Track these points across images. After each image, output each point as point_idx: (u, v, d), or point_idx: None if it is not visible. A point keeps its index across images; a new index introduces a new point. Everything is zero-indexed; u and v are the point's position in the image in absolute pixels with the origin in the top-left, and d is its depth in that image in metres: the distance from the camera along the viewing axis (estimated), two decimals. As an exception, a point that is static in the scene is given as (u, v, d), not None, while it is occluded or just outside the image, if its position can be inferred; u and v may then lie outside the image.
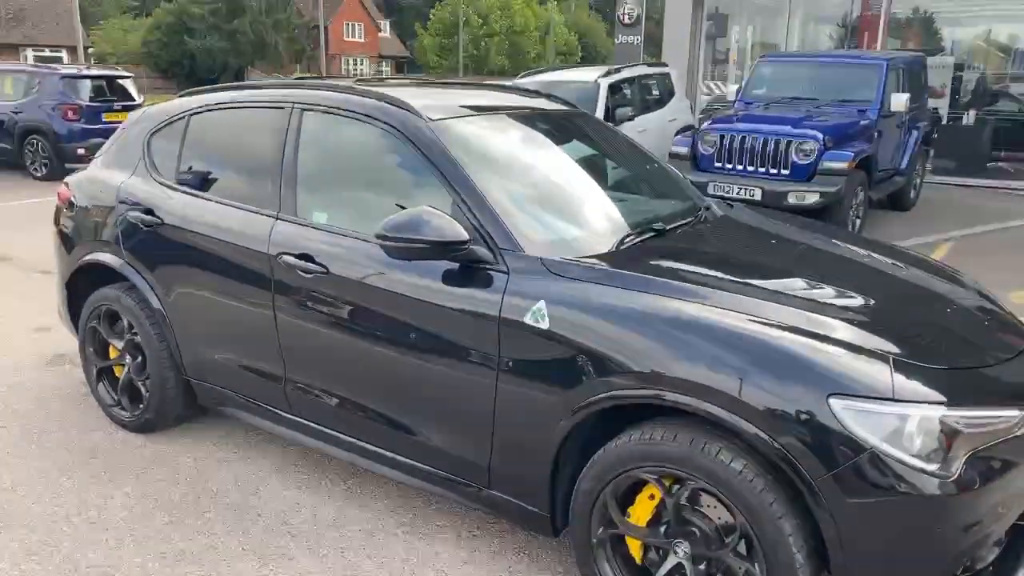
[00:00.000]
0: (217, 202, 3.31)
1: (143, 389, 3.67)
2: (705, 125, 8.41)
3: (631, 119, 9.42)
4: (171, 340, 3.51)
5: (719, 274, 2.60)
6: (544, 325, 2.40)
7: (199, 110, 3.56)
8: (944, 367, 2.19)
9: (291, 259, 2.95)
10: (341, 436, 3.05)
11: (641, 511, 2.37)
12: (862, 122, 8.14)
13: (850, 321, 2.29)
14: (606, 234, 2.82)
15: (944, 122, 12.74)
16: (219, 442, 3.68)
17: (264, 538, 2.95)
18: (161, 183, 3.54)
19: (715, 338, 2.20)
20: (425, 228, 2.48)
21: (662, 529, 2.34)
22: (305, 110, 3.16)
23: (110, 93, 12.43)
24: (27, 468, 3.42)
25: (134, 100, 12.45)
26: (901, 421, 2.00)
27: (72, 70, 12.79)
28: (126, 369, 3.73)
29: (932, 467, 1.99)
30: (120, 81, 12.78)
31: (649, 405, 2.29)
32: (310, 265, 2.90)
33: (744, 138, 7.83)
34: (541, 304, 2.42)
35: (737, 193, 7.64)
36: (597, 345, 2.33)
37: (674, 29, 14.32)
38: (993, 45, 14.16)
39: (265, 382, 3.22)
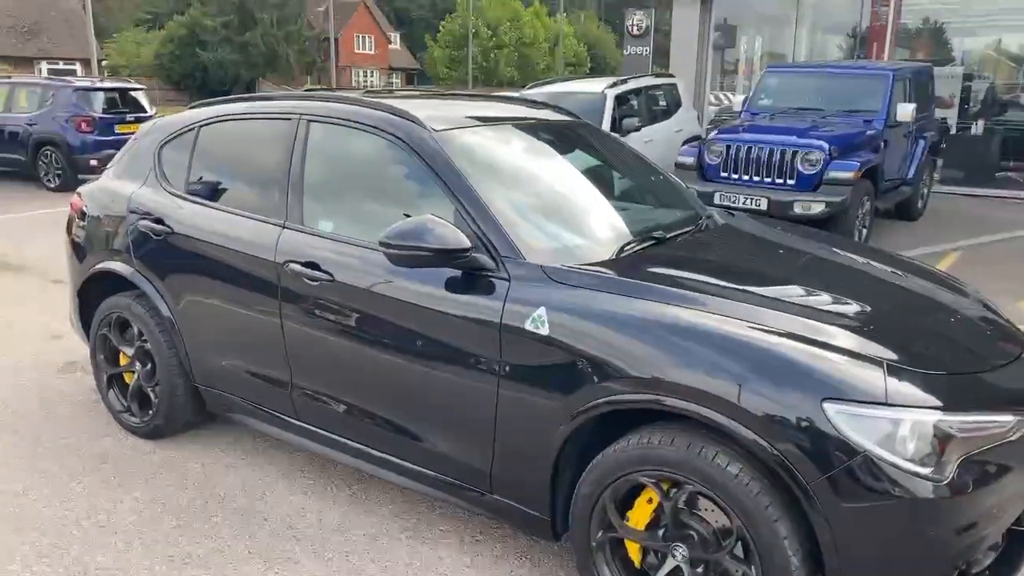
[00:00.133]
0: (226, 211, 3.38)
1: (152, 395, 3.73)
2: (711, 135, 8.45)
3: (638, 130, 9.47)
4: (180, 347, 3.56)
5: (718, 281, 2.64)
6: (544, 331, 2.44)
7: (208, 121, 3.63)
8: (939, 372, 2.22)
9: (297, 267, 3.01)
10: (346, 442, 3.09)
11: (640, 515, 2.40)
12: (868, 132, 8.16)
13: (846, 327, 2.32)
14: (607, 242, 2.86)
15: (953, 132, 12.74)
16: (227, 448, 3.73)
17: (270, 542, 2.99)
18: (171, 193, 3.61)
19: (713, 344, 2.24)
20: (428, 236, 2.53)
21: (660, 532, 2.37)
22: (312, 121, 3.22)
23: (123, 105, 12.58)
24: (38, 472, 3.48)
25: (146, 112, 12.59)
26: (894, 425, 2.03)
27: (85, 83, 12.96)
28: (136, 376, 3.79)
29: (925, 471, 2.02)
30: (132, 93, 12.93)
31: (647, 410, 2.32)
32: (316, 273, 2.96)
33: (750, 148, 7.86)
34: (541, 311, 2.46)
35: (743, 203, 7.67)
36: (596, 351, 2.36)
37: (681, 40, 14.38)
38: (1003, 55, 14.14)
39: (272, 388, 3.27)
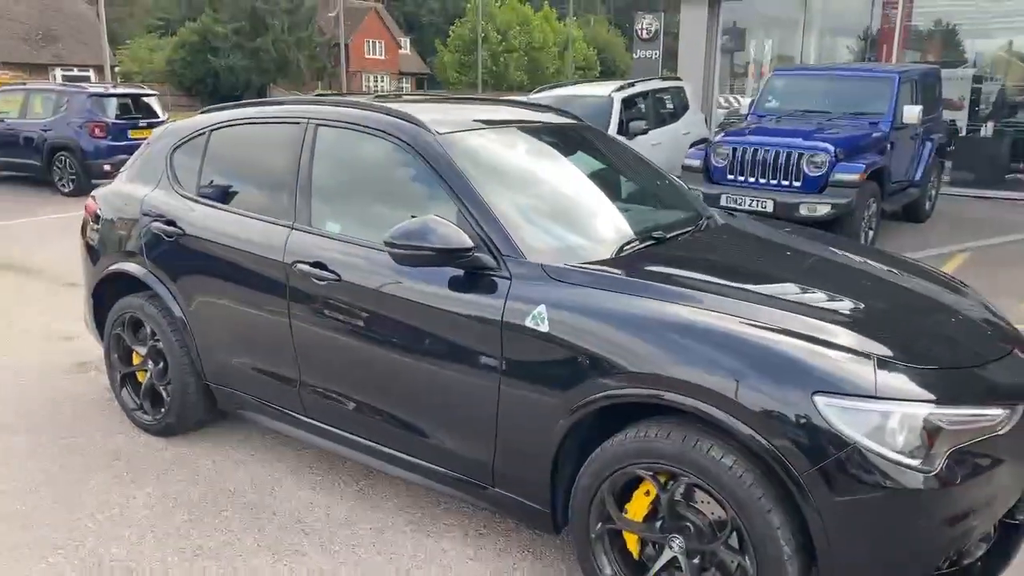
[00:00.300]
0: (236, 213, 3.46)
1: (165, 394, 3.81)
2: (717, 138, 8.50)
3: (645, 132, 9.54)
4: (191, 346, 3.65)
5: (715, 279, 2.70)
6: (544, 328, 2.50)
7: (219, 126, 3.71)
8: (929, 367, 2.26)
9: (305, 267, 3.08)
10: (353, 438, 3.17)
11: (637, 507, 2.46)
12: (874, 134, 8.19)
13: (839, 324, 2.38)
14: (607, 242, 2.93)
15: (963, 134, 12.72)
16: (237, 445, 3.81)
17: (278, 535, 3.07)
18: (183, 196, 3.70)
19: (710, 340, 2.29)
20: (431, 236, 2.60)
21: (658, 524, 2.43)
22: (320, 125, 3.30)
23: (135, 111, 12.72)
24: (54, 468, 3.57)
25: (159, 117, 12.73)
26: (883, 418, 2.08)
27: (99, 89, 13.11)
28: (148, 374, 3.88)
29: (914, 462, 2.07)
30: (145, 99, 13.07)
31: (644, 404, 2.38)
32: (323, 273, 3.03)
33: (756, 150, 7.91)
34: (541, 308, 2.52)
35: (749, 205, 7.71)
36: (595, 347, 2.43)
37: (689, 43, 14.43)
38: (1015, 56, 14.09)
39: (280, 386, 3.35)
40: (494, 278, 2.65)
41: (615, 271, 2.63)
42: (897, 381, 2.15)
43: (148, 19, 55.91)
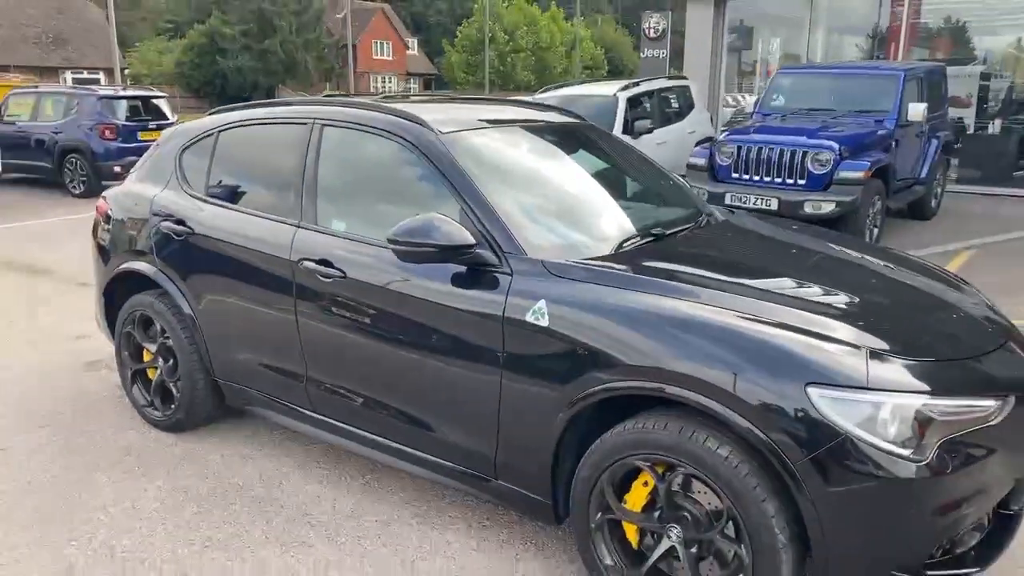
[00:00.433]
0: (243, 212, 3.53)
1: (174, 390, 3.88)
2: (722, 136, 8.52)
3: (650, 131, 9.57)
4: (200, 343, 3.72)
5: (712, 274, 2.74)
6: (544, 323, 2.56)
7: (227, 127, 3.78)
8: (921, 359, 2.30)
9: (311, 264, 3.15)
10: (358, 432, 3.22)
11: (636, 497, 2.51)
12: (879, 132, 8.20)
13: (833, 317, 2.42)
14: (606, 238, 2.98)
15: (970, 131, 12.69)
16: (245, 441, 3.88)
17: (286, 527, 3.13)
18: (192, 195, 3.77)
19: (706, 334, 2.34)
20: (434, 233, 2.66)
21: (656, 514, 2.48)
22: (325, 125, 3.36)
23: (145, 113, 12.84)
24: (66, 464, 3.64)
25: (168, 119, 12.85)
26: (875, 408, 2.13)
27: (109, 91, 13.25)
28: (159, 371, 3.95)
29: (905, 452, 2.11)
30: (155, 101, 13.19)
31: (642, 397, 2.43)
32: (329, 270, 3.09)
33: (760, 149, 7.93)
34: (542, 303, 2.58)
35: (754, 203, 7.74)
36: (593, 341, 2.48)
37: (695, 42, 14.44)
38: (1024, 53, 14.04)
39: (287, 381, 3.41)
40: (496, 274, 2.71)
41: (614, 267, 2.68)
42: (889, 373, 2.19)
43: (157, 22, 56.21)
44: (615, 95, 9.59)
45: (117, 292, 4.12)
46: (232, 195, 3.67)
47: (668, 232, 3.16)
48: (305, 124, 3.42)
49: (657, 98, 10.43)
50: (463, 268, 2.76)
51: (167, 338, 3.84)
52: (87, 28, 40.11)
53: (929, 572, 2.26)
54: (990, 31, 13.87)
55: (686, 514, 2.42)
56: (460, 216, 2.82)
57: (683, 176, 7.35)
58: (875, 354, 2.22)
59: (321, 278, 3.12)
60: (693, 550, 2.42)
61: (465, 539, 3.05)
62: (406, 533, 3.09)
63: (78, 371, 4.80)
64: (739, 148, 8.05)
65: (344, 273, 3.06)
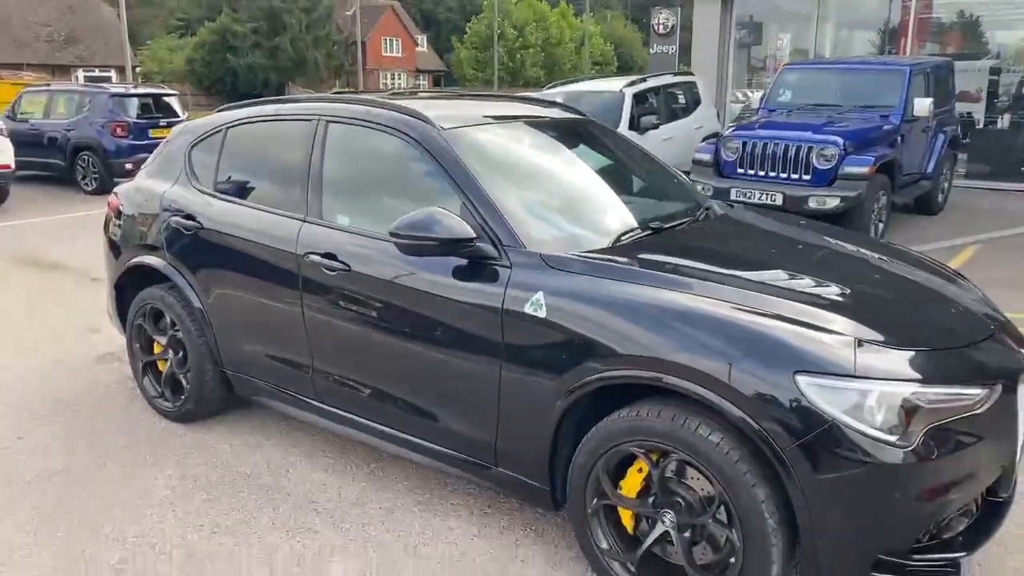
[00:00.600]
0: (251, 207, 3.61)
1: (184, 381, 3.97)
2: (727, 132, 8.55)
3: (656, 127, 9.61)
4: (209, 335, 3.80)
5: (707, 266, 2.79)
6: (542, 314, 2.62)
7: (235, 123, 3.86)
8: (909, 348, 2.35)
9: (317, 258, 3.22)
10: (363, 421, 3.30)
11: (631, 483, 2.57)
12: (884, 127, 8.22)
13: (824, 307, 2.47)
14: (605, 231, 3.04)
15: (979, 126, 12.65)
16: (253, 430, 3.97)
17: (292, 514, 3.21)
18: (201, 191, 3.85)
19: (700, 324, 2.40)
20: (436, 227, 2.73)
21: (650, 500, 2.54)
22: (330, 122, 3.43)
23: (156, 110, 12.95)
24: (79, 453, 3.74)
25: (179, 116, 12.93)
26: (862, 396, 2.18)
27: (120, 89, 13.36)
28: (169, 363, 4.04)
29: (891, 438, 2.17)
30: (165, 99, 13.30)
31: (637, 386, 2.49)
32: (334, 263, 3.16)
33: (766, 144, 7.96)
34: (540, 295, 2.64)
35: (759, 198, 7.77)
36: (590, 332, 2.54)
37: (703, 38, 14.45)
38: (1037, 48, 13.95)
39: (294, 372, 3.49)
40: (495, 267, 2.77)
41: (611, 259, 2.74)
42: (877, 361, 2.24)
43: (168, 20, 56.51)
44: (621, 91, 9.64)
45: (128, 286, 4.21)
46: (240, 190, 3.75)
47: (666, 225, 3.21)
48: (311, 121, 3.49)
49: (664, 94, 10.47)
50: (464, 261, 2.82)
51: (177, 330, 3.93)
52: (99, 26, 40.39)
53: (916, 556, 2.32)
54: (1004, 25, 13.79)
55: (679, 500, 2.48)
56: (461, 210, 2.89)
57: (688, 172, 7.40)
58: (863, 343, 2.28)
59: (326, 271, 3.19)
60: (686, 535, 2.49)
61: (467, 525, 3.12)
62: (409, 520, 3.16)
63: (91, 363, 4.90)
64: (744, 143, 8.08)
65: (349, 266, 3.13)
